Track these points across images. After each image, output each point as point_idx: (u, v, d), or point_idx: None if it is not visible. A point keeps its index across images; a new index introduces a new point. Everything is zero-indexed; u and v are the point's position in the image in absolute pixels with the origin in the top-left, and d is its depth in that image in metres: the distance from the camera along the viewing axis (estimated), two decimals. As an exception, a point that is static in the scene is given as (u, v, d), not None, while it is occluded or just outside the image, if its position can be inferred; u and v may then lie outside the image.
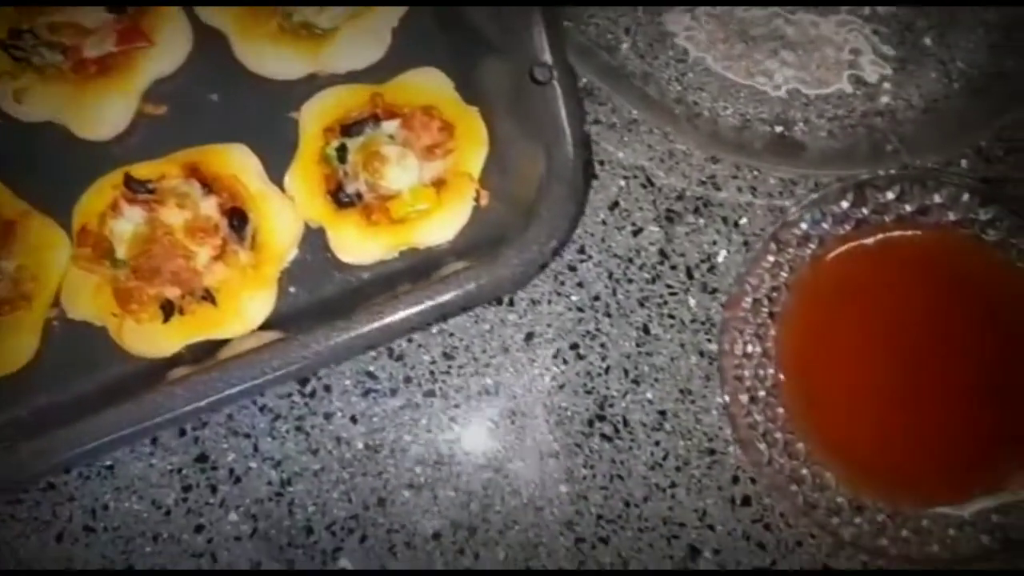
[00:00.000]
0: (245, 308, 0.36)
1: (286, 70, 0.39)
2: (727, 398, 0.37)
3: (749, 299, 0.37)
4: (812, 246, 0.39)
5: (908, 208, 0.39)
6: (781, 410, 0.38)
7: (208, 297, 0.36)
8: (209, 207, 0.36)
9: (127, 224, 0.36)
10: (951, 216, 0.39)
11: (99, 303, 0.36)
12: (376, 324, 0.34)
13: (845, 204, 0.38)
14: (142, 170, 0.37)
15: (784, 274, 0.38)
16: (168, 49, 0.38)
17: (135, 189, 0.36)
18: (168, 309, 0.36)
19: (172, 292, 0.36)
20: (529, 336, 0.39)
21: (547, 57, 0.35)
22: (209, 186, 0.36)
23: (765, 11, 0.41)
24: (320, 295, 0.38)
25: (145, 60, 0.38)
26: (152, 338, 0.36)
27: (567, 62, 0.36)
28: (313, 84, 0.39)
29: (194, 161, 0.37)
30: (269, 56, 0.38)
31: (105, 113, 0.38)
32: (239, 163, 0.37)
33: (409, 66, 0.39)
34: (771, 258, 0.38)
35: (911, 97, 0.41)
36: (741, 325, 0.37)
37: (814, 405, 0.38)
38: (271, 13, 0.38)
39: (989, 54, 0.41)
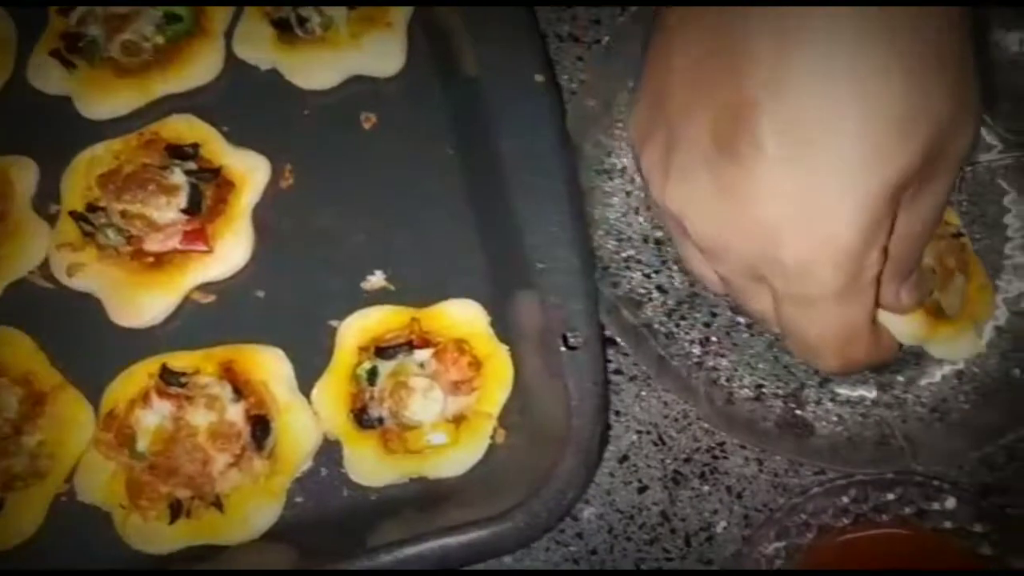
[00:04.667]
0: (251, 517, 0.37)
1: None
2: None
3: (744, 584, 0.38)
4: (810, 535, 0.39)
5: (907, 510, 0.40)
6: None
7: (217, 503, 0.37)
8: (235, 413, 0.37)
9: (154, 417, 0.37)
10: (948, 524, 0.40)
11: (111, 491, 0.37)
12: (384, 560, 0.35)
13: (847, 499, 0.39)
14: (179, 360, 0.38)
15: (780, 561, 0.39)
16: (226, 259, 0.40)
17: (169, 381, 0.38)
18: (176, 510, 0.36)
19: (183, 493, 0.36)
20: (525, 582, 0.39)
21: (584, 326, 0.37)
22: (240, 390, 0.38)
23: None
24: (325, 509, 0.38)
25: (201, 265, 0.40)
26: (154, 536, 0.36)
27: (601, 334, 0.38)
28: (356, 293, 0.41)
29: (230, 359, 0.38)
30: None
31: (146, 306, 0.39)
32: (272, 369, 0.38)
33: (450, 294, 0.41)
34: (770, 546, 0.38)
35: (921, 395, 0.42)
36: (733, 610, 0.38)
37: None
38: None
39: (999, 360, 0.43)
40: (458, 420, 0.39)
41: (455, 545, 0.34)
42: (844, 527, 0.40)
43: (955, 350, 0.42)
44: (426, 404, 0.38)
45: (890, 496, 0.40)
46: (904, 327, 0.41)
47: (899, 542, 0.40)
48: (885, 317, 0.41)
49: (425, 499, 0.38)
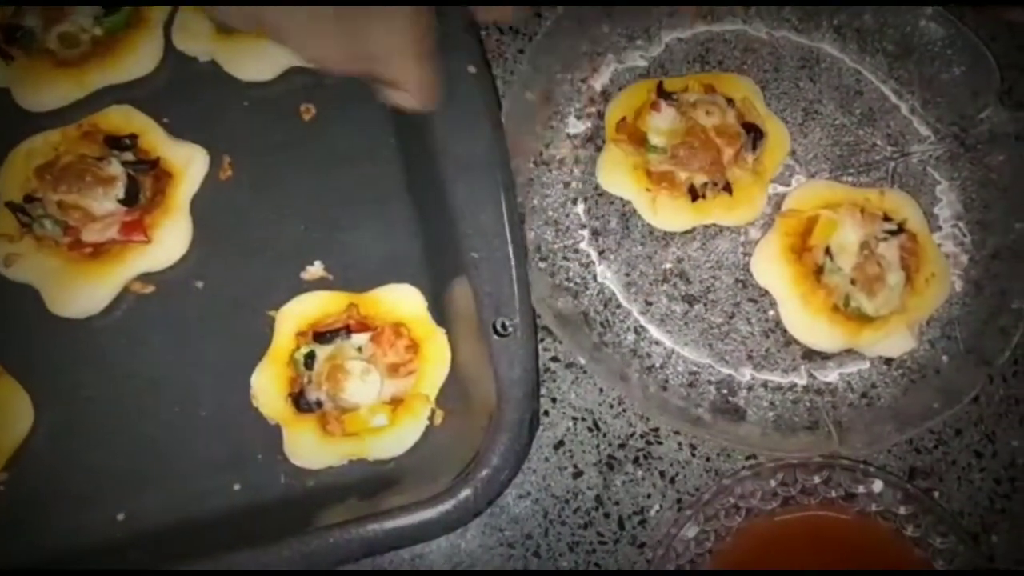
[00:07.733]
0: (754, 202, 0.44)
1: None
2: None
3: (672, 564, 0.39)
4: (739, 518, 0.40)
5: (834, 494, 0.41)
6: None
7: (727, 188, 0.44)
8: (732, 117, 0.44)
9: (662, 121, 0.44)
10: (874, 507, 0.41)
11: (634, 179, 0.44)
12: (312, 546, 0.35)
13: (774, 483, 0.40)
14: (670, 83, 0.46)
15: (709, 543, 0.40)
16: (164, 249, 0.40)
17: (664, 95, 0.45)
18: (694, 193, 0.44)
19: (700, 179, 0.44)
20: (455, 568, 0.40)
21: (515, 314, 0.38)
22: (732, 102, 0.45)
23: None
24: (264, 495, 0.38)
25: (139, 255, 0.40)
26: (676, 215, 0.44)
27: (533, 322, 0.38)
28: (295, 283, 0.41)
29: (711, 81, 0.46)
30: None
31: (84, 296, 0.39)
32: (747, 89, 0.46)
33: (388, 280, 0.41)
34: (699, 526, 0.39)
35: (851, 381, 0.43)
36: (661, 590, 0.38)
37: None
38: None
39: (928, 347, 0.44)
40: (396, 402, 0.39)
41: (379, 531, 0.35)
42: (773, 510, 0.41)
43: (885, 349, 0.43)
44: (363, 387, 0.39)
45: (817, 479, 0.41)
46: (823, 336, 0.42)
47: (826, 524, 0.41)
48: (804, 325, 0.42)
49: (366, 481, 0.39)
